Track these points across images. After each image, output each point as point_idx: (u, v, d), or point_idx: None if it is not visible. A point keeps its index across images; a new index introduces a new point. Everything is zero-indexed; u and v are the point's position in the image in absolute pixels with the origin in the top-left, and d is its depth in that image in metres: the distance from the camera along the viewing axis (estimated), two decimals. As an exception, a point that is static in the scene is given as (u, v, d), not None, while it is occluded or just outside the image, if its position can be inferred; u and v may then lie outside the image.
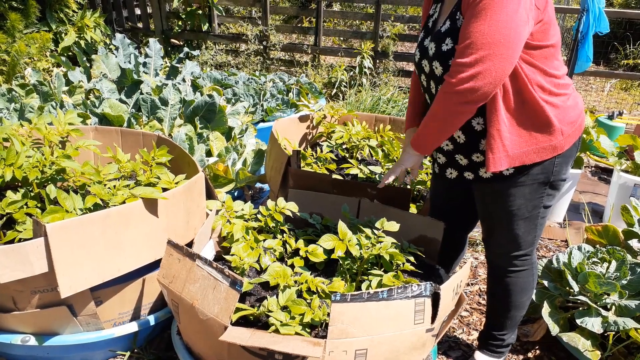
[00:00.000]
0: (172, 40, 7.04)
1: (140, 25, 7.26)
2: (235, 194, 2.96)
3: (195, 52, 4.26)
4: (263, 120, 4.48)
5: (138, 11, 7.30)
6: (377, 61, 6.37)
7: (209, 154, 2.91)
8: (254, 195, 3.19)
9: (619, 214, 2.60)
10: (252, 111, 4.47)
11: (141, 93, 2.92)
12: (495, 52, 1.37)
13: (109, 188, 1.84)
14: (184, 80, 3.37)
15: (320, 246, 1.75)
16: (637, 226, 2.42)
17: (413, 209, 2.44)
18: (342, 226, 1.76)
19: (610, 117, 4.79)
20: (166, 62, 6.36)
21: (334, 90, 6.16)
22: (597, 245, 2.37)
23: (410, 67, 7.32)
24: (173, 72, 3.33)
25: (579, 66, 4.13)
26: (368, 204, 2.28)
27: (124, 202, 1.76)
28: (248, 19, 6.71)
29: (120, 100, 3.01)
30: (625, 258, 2.12)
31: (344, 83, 6.16)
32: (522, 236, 1.74)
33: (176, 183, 1.97)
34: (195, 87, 3.10)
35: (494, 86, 1.42)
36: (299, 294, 1.57)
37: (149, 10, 6.92)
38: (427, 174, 2.66)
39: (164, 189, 1.89)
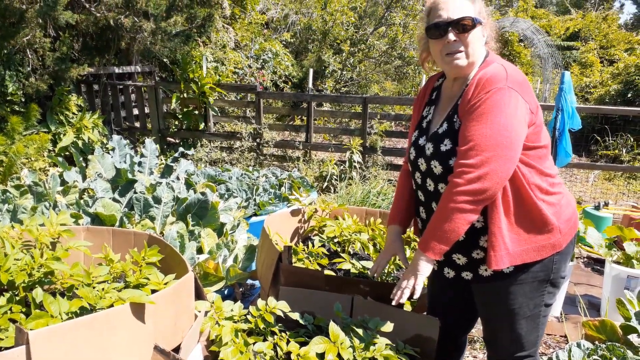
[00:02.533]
0: (169, 138, 7.28)
1: (137, 124, 7.55)
2: (226, 292, 2.91)
3: (190, 152, 4.40)
4: (255, 214, 4.51)
5: (136, 111, 7.63)
6: (366, 156, 6.58)
7: (200, 250, 2.90)
8: (244, 293, 3.13)
9: (616, 307, 2.57)
10: (245, 205, 4.52)
11: (135, 192, 2.97)
12: (499, 154, 1.44)
13: (97, 291, 1.80)
14: (178, 178, 3.45)
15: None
16: (635, 320, 2.38)
17: (407, 306, 2.40)
18: (333, 328, 1.72)
19: (597, 208, 4.89)
20: (162, 160, 6.54)
21: (325, 184, 6.29)
22: (596, 342, 2.31)
23: (399, 161, 7.55)
24: (167, 171, 3.42)
25: (559, 161, 4.30)
26: (361, 302, 2.24)
27: (111, 305, 1.72)
28: (242, 118, 7.02)
29: (114, 199, 3.05)
30: (626, 355, 2.07)
31: (334, 177, 6.31)
32: (524, 336, 1.71)
33: (165, 284, 1.94)
34: (189, 184, 3.17)
35: (500, 186, 1.47)
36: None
37: (147, 110, 7.23)
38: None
39: (153, 290, 1.86)
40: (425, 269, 1.62)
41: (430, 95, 1.81)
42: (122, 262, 2.21)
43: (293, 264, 2.65)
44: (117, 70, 8.07)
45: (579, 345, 2.21)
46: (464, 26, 1.53)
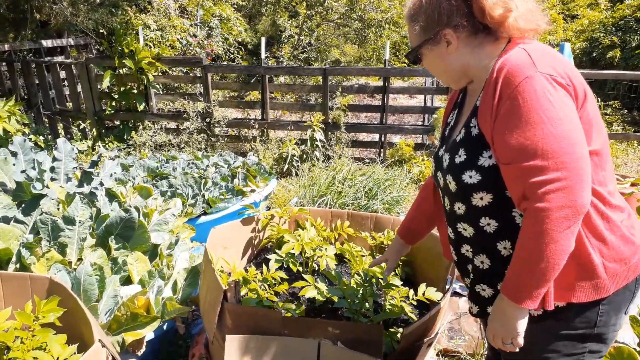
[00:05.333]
0: (107, 121, 6.50)
1: (70, 106, 6.70)
2: (165, 326, 2.36)
3: (113, 153, 3.74)
4: (205, 213, 3.95)
5: (68, 91, 6.77)
6: (329, 133, 6.04)
7: (128, 280, 2.34)
8: (189, 323, 2.60)
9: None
10: (192, 203, 3.94)
11: (41, 212, 2.35)
12: (571, 152, 1.11)
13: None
14: (102, 184, 2.82)
15: None
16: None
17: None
18: None
19: None
20: (98, 148, 5.78)
21: (286, 166, 5.74)
22: (616, 374, 1.91)
23: (364, 137, 7.06)
24: (86, 178, 2.78)
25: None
26: (330, 349, 1.79)
27: None
28: (189, 95, 6.29)
29: (16, 221, 2.42)
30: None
31: (295, 158, 5.76)
32: None
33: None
34: (112, 196, 2.56)
35: (588, 191, 1.12)
36: None
37: (79, 89, 6.39)
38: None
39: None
40: (522, 325, 1.23)
41: (457, 98, 1.53)
42: (12, 321, 1.65)
43: (243, 297, 2.14)
44: (46, 44, 7.11)
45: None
46: (413, 61, 1.46)
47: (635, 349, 2.01)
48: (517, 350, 1.25)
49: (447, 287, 2.21)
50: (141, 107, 6.08)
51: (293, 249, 2.33)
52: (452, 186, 1.35)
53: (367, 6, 11.65)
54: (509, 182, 1.20)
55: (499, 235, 1.29)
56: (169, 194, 3.85)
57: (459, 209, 1.37)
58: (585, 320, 1.26)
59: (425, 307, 2.31)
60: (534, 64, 1.15)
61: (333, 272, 2.17)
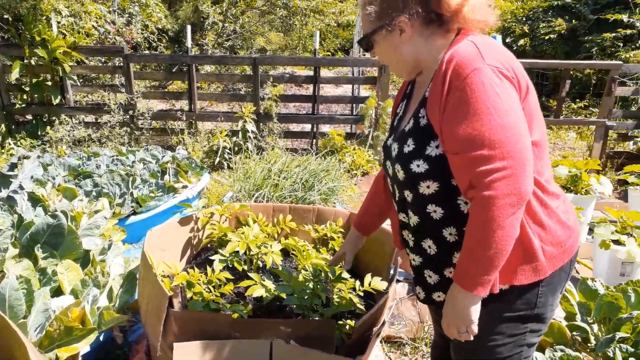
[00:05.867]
0: (17, 116, 5.97)
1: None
2: (102, 337, 2.22)
3: (32, 153, 3.43)
4: (135, 213, 3.75)
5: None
6: (261, 124, 5.95)
7: (58, 291, 2.17)
8: (125, 330, 2.47)
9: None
10: (120, 203, 3.72)
11: (-50, 221, 2.11)
12: (515, 142, 1.15)
13: None
14: (21, 187, 2.58)
15: None
16: (579, 317, 2.17)
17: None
18: None
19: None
20: (9, 146, 5.30)
21: (217, 159, 5.59)
22: (547, 348, 2.06)
23: (296, 127, 7.04)
24: (2, 182, 2.53)
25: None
26: (282, 349, 1.77)
27: None
28: (109, 87, 5.92)
29: None
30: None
31: (227, 150, 5.63)
32: None
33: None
34: (36, 200, 2.36)
35: (531, 179, 1.17)
36: None
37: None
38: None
39: None
40: (475, 312, 1.26)
41: (406, 89, 1.55)
42: None
43: (188, 301, 2.06)
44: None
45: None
46: (365, 48, 1.44)
47: (562, 323, 2.19)
48: (472, 338, 1.30)
49: (390, 275, 2.26)
50: (57, 101, 5.63)
51: (238, 247, 2.27)
52: (401, 175, 1.37)
53: (292, -7, 11.56)
54: (456, 172, 1.23)
55: (444, 222, 1.33)
56: (94, 193, 3.62)
57: (407, 196, 1.40)
58: (525, 301, 1.32)
59: (370, 297, 2.35)
60: (481, 56, 1.18)
61: (281, 269, 2.15)
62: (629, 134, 6.17)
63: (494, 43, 1.26)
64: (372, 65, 6.23)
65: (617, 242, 3.05)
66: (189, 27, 5.93)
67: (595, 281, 2.19)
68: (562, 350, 1.98)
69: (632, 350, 1.82)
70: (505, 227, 1.15)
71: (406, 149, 1.34)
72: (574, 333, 2.13)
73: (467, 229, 1.22)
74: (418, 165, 1.30)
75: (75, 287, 2.17)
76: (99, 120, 5.81)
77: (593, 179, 3.78)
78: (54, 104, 5.67)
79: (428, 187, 1.31)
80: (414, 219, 1.41)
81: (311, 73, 5.90)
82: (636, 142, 5.85)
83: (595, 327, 2.14)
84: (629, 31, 8.71)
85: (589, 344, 2.11)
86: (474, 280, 1.20)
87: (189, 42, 5.83)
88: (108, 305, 2.19)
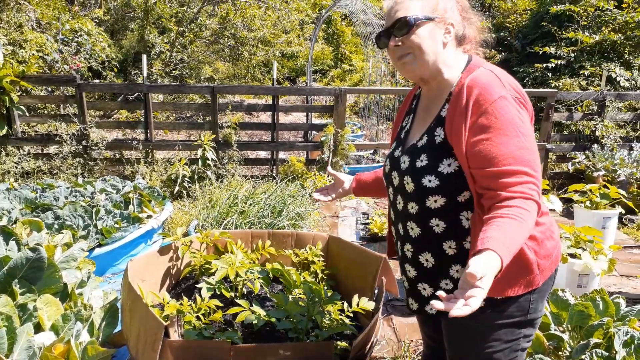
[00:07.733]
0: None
1: None
2: (83, 374, 2.12)
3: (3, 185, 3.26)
4: (100, 245, 3.62)
5: None
6: (220, 152, 5.93)
7: (37, 327, 2.07)
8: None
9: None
10: (84, 235, 3.58)
11: None
12: (534, 167, 1.27)
13: None
14: (-15, 220, 2.45)
15: None
16: (553, 326, 2.31)
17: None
18: None
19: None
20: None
21: (177, 188, 5.50)
22: (527, 358, 2.18)
23: (255, 154, 7.05)
24: (-33, 215, 2.39)
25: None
26: (284, 372, 1.77)
27: None
28: (60, 116, 5.71)
29: None
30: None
31: (186, 179, 5.55)
32: None
33: None
34: (8, 234, 2.24)
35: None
36: None
37: None
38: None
39: None
40: (490, 280, 1.10)
41: (411, 104, 1.64)
42: None
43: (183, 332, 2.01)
44: None
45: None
46: (400, 28, 1.38)
47: (538, 332, 2.32)
48: (468, 313, 1.10)
49: (375, 295, 2.31)
50: (3, 132, 5.36)
51: (227, 274, 2.26)
52: (410, 187, 1.44)
53: (240, 25, 11.69)
54: (480, 182, 1.29)
55: (445, 236, 1.42)
56: (56, 226, 3.47)
57: (412, 208, 1.47)
58: (519, 309, 1.42)
59: (355, 318, 2.39)
60: (503, 85, 1.31)
61: (269, 295, 2.16)
62: (566, 156, 6.66)
63: (506, 74, 1.39)
64: (328, 93, 6.39)
65: (572, 255, 3.27)
66: (144, 57, 5.87)
67: (565, 292, 2.35)
68: (541, 359, 2.10)
69: (607, 354, 1.97)
70: (530, 226, 1.22)
71: (419, 164, 1.41)
72: (549, 343, 2.27)
73: (507, 212, 1.20)
74: (430, 181, 1.39)
75: (55, 322, 2.08)
76: (49, 152, 5.57)
77: (543, 198, 4.05)
78: (0, 135, 5.39)
79: (435, 201, 1.40)
80: (415, 231, 1.48)
81: (270, 101, 5.98)
82: (574, 163, 6.32)
83: (567, 335, 2.29)
84: (559, 61, 9.47)
85: (563, 352, 2.25)
86: (509, 247, 1.15)
87: (144, 71, 5.77)
88: (92, 340, 2.11)
